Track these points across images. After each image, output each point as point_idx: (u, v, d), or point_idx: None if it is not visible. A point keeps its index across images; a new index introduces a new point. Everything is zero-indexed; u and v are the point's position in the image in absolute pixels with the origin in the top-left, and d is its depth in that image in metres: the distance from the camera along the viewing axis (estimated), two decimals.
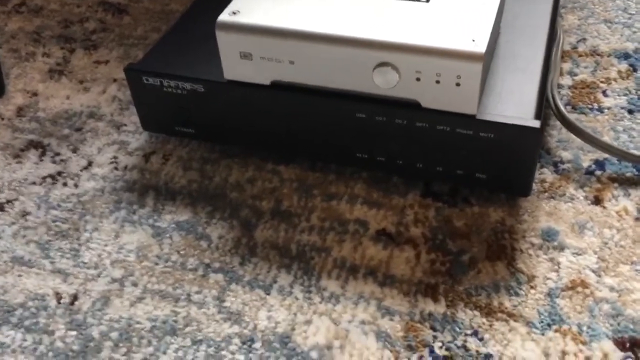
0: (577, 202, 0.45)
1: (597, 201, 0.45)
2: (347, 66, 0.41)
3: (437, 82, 0.39)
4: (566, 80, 0.55)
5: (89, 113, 0.56)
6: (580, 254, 0.41)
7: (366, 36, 0.39)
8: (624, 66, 0.56)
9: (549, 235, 0.43)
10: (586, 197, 0.45)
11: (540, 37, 0.48)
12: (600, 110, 0.52)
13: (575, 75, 0.55)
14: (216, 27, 0.42)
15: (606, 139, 0.49)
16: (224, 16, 0.42)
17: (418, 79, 0.39)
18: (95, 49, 0.64)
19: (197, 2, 0.53)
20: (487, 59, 0.40)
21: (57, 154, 0.52)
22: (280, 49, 0.41)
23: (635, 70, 0.55)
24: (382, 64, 0.40)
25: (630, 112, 0.51)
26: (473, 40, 0.38)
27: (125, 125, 0.54)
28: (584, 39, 0.59)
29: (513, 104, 0.42)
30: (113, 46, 0.64)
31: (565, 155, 0.48)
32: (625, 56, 0.57)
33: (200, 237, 0.44)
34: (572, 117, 0.51)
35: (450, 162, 0.43)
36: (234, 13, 0.42)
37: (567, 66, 0.56)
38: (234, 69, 0.44)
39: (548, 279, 0.40)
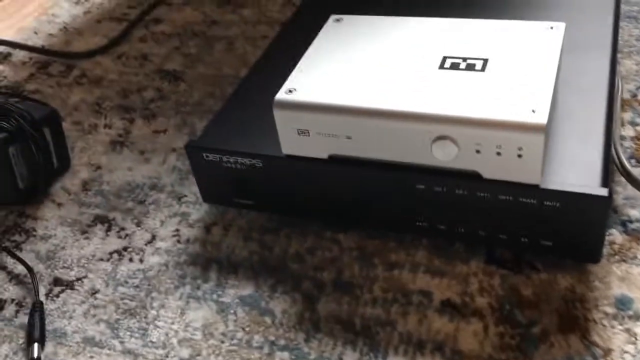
0: None
1: None
2: (405, 140, 0.41)
3: (498, 153, 0.39)
4: (628, 131, 0.53)
5: (151, 185, 0.57)
6: None
7: (423, 110, 0.39)
8: None
9: (623, 304, 0.41)
10: None
11: (599, 93, 0.47)
12: None
13: (637, 125, 0.54)
14: (273, 106, 0.43)
15: None
16: (281, 95, 0.43)
17: (478, 151, 0.39)
18: (154, 118, 0.66)
19: (252, 72, 0.55)
20: (549, 128, 0.39)
21: (122, 229, 0.53)
22: (336, 125, 0.42)
23: None
24: (441, 138, 0.39)
25: None
26: (533, 111, 0.37)
27: (186, 195, 0.55)
28: None
29: (578, 169, 0.41)
30: (171, 114, 0.66)
31: (634, 213, 0.46)
32: None
33: (264, 313, 0.45)
34: (637, 172, 0.49)
35: (514, 230, 0.42)
36: (290, 91, 0.43)
37: (627, 116, 0.55)
38: (291, 144, 0.44)
39: (625, 352, 0.39)
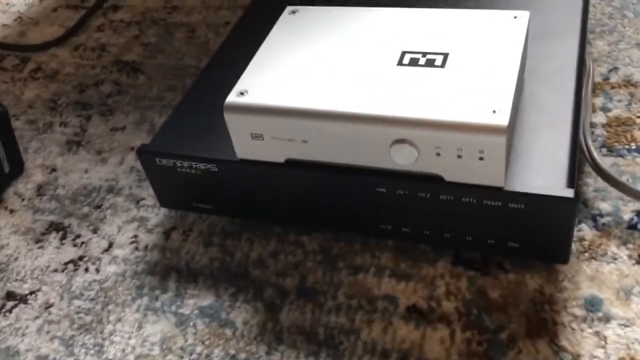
0: (620, 263, 0.42)
1: None
2: (363, 143, 0.38)
3: (459, 156, 0.37)
4: (599, 118, 0.52)
5: (108, 187, 0.55)
6: (628, 326, 0.38)
7: (380, 112, 0.37)
8: None
9: (592, 305, 0.40)
10: (630, 256, 0.42)
11: (568, 80, 0.45)
12: (639, 151, 0.48)
13: (609, 110, 0.52)
14: (224, 109, 0.41)
15: None
16: (232, 97, 0.41)
17: (438, 154, 0.37)
18: (112, 114, 0.63)
19: (207, 69, 0.52)
20: (511, 129, 0.37)
21: (78, 236, 0.51)
22: (291, 129, 0.40)
23: None
24: (399, 141, 0.37)
25: None
26: (494, 112, 0.36)
27: (144, 199, 0.53)
28: (616, 68, 0.56)
29: (543, 168, 0.39)
30: (129, 110, 0.63)
31: (604, 207, 0.45)
32: None
33: (224, 324, 0.43)
34: (608, 164, 0.48)
35: (480, 232, 0.40)
36: (242, 93, 0.41)
37: (599, 101, 0.53)
38: (246, 148, 0.42)
39: (595, 357, 0.37)
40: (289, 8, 0.48)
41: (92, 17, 0.79)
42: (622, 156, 0.48)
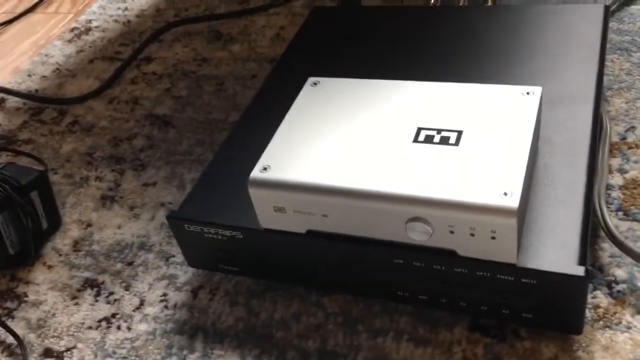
0: (634, 332, 0.42)
1: None
2: (380, 219, 0.40)
3: (472, 234, 0.38)
4: (616, 180, 0.53)
5: (140, 244, 0.58)
6: None
7: (395, 191, 0.39)
8: None
9: None
10: None
11: (581, 150, 0.46)
12: None
13: (626, 172, 0.53)
14: (248, 184, 0.43)
15: None
16: (256, 173, 0.43)
17: (452, 232, 0.39)
18: (144, 169, 0.66)
19: (231, 138, 0.54)
20: (522, 208, 0.39)
21: (111, 293, 0.54)
22: (311, 203, 0.42)
23: None
24: (414, 219, 0.39)
25: None
26: (505, 194, 0.37)
27: (174, 256, 0.56)
28: (633, 127, 0.57)
29: (555, 244, 0.40)
30: (160, 164, 0.66)
31: (620, 274, 0.46)
32: None
33: None
34: (623, 228, 0.48)
35: (494, 302, 0.42)
36: (265, 169, 0.43)
37: (616, 162, 0.54)
38: (269, 219, 0.44)
39: None
40: (311, 79, 0.50)
41: (126, 69, 0.83)
42: (638, 220, 0.49)
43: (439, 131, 0.42)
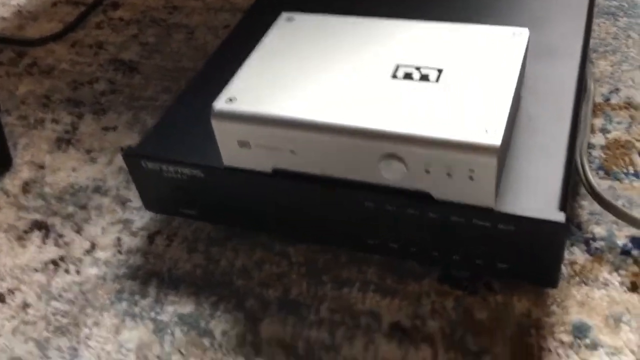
0: (611, 289, 0.41)
1: (634, 288, 0.40)
2: (351, 157, 0.38)
3: (449, 175, 0.36)
4: (598, 139, 0.51)
5: (95, 187, 0.54)
6: (615, 354, 0.37)
7: (369, 126, 0.36)
8: None
9: (580, 332, 0.39)
10: (622, 283, 0.41)
11: (566, 101, 0.44)
12: (637, 175, 0.47)
13: (609, 132, 0.51)
14: (211, 116, 0.40)
15: None
16: (220, 103, 0.40)
17: (427, 172, 0.36)
18: (104, 113, 0.62)
19: (200, 75, 0.51)
20: (504, 148, 0.36)
21: (61, 236, 0.50)
22: (278, 138, 0.39)
23: None
24: (388, 156, 0.36)
25: None
26: (486, 131, 0.35)
27: (130, 201, 0.52)
28: (618, 89, 0.55)
29: (535, 191, 0.38)
30: (122, 109, 0.62)
31: (598, 231, 0.44)
32: None
33: (203, 334, 0.42)
34: (604, 187, 0.47)
35: (468, 251, 0.39)
36: (230, 100, 0.40)
37: (599, 122, 0.52)
38: (232, 156, 0.41)
39: None
40: (285, 15, 0.47)
41: (91, 14, 0.78)
42: (619, 180, 0.47)
43: (418, 68, 0.40)
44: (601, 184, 0.47)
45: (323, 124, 0.37)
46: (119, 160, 0.56)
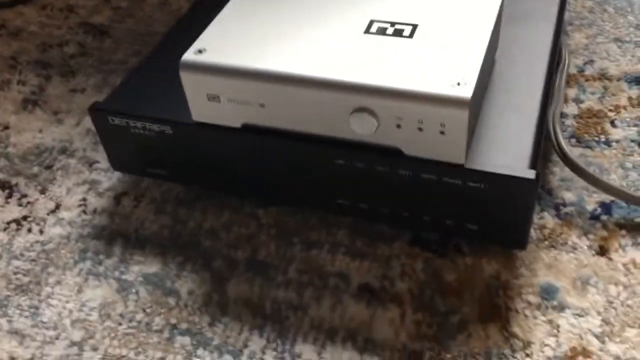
0: (580, 253, 0.41)
1: (603, 252, 0.40)
2: (322, 110, 0.37)
3: (420, 129, 0.35)
4: (571, 109, 0.51)
5: (61, 148, 0.53)
6: (582, 316, 0.37)
7: (340, 78, 0.36)
8: (634, 92, 0.51)
9: (548, 293, 0.39)
10: (590, 247, 0.41)
11: (540, 66, 0.43)
12: (608, 143, 0.47)
13: (582, 102, 0.51)
14: (180, 67, 0.39)
15: (613, 179, 0.44)
16: (189, 55, 0.39)
17: (398, 126, 0.36)
18: (73, 76, 0.61)
19: (171, 33, 0.50)
20: (475, 103, 0.36)
21: (24, 196, 0.49)
22: (248, 90, 0.38)
23: None
24: (359, 109, 0.36)
25: None
26: (458, 84, 0.34)
27: (98, 162, 0.51)
28: (592, 61, 0.55)
29: (507, 149, 0.38)
30: (91, 72, 0.61)
31: (569, 196, 0.44)
32: (637, 81, 0.52)
33: (168, 293, 0.41)
34: (576, 154, 0.47)
35: (438, 211, 0.39)
36: (200, 51, 0.39)
37: (572, 92, 0.52)
38: (201, 110, 0.40)
39: (546, 345, 0.36)
40: None
41: None
42: (590, 147, 0.47)
43: (392, 24, 0.39)
44: (573, 151, 0.47)
45: (294, 76, 0.36)
46: (87, 122, 0.55)
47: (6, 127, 0.56)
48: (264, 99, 0.38)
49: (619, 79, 0.53)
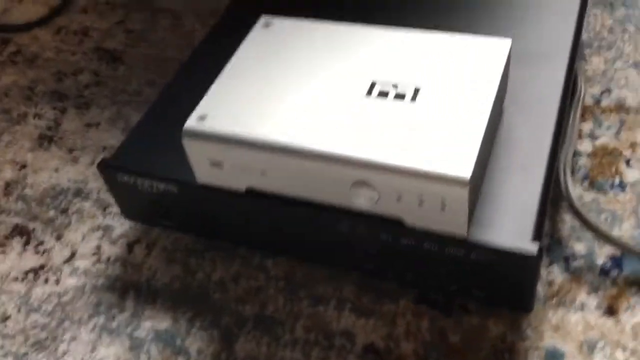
0: (588, 312, 0.40)
1: (611, 312, 0.40)
2: (322, 181, 0.37)
3: (420, 203, 0.35)
4: (585, 146, 0.49)
5: (76, 190, 0.54)
6: None
7: (341, 152, 0.35)
8: None
9: (553, 358, 0.38)
10: (599, 306, 0.40)
11: (550, 112, 0.42)
12: (622, 187, 0.46)
13: (596, 138, 0.50)
14: (182, 134, 0.39)
15: (626, 228, 0.43)
16: (191, 122, 0.39)
17: (399, 199, 0.35)
18: (88, 108, 0.61)
19: (176, 80, 0.50)
20: (477, 177, 0.35)
21: (41, 243, 0.50)
22: (249, 159, 0.38)
23: None
24: (359, 183, 0.36)
25: None
26: (458, 162, 0.34)
27: (111, 205, 0.52)
28: (609, 90, 0.53)
29: (510, 217, 0.37)
30: (106, 104, 0.61)
31: (579, 248, 0.43)
32: None
33: (178, 351, 0.42)
34: (588, 200, 0.46)
35: (443, 277, 0.39)
36: (202, 118, 0.39)
37: (587, 126, 0.51)
38: (205, 174, 0.40)
39: None
40: (263, 20, 0.45)
41: None
42: (604, 191, 0.46)
43: (395, 85, 0.38)
44: (584, 197, 0.46)
45: (293, 148, 0.36)
46: None
47: (23, 166, 0.57)
48: (265, 167, 0.38)
49: (637, 111, 0.51)
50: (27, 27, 0.73)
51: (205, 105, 0.40)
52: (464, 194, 0.33)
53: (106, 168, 0.44)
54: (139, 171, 0.43)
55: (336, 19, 0.51)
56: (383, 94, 0.38)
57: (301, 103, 0.38)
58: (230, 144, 0.38)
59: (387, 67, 0.40)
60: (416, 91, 0.38)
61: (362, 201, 0.36)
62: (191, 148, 0.39)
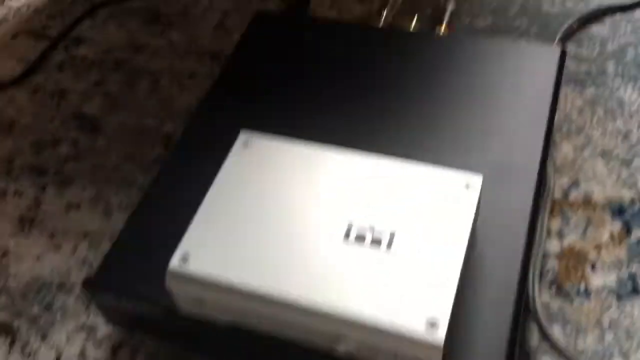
0: None
1: None
2: (302, 329, 0.38)
3: (395, 358, 0.37)
4: (554, 246, 0.51)
5: (59, 284, 0.55)
6: None
7: (318, 307, 0.37)
8: (617, 226, 0.52)
9: None
10: None
11: (519, 237, 0.44)
12: (587, 294, 0.48)
13: (564, 236, 0.52)
14: (167, 275, 0.40)
15: (589, 343, 0.46)
16: (175, 263, 0.40)
17: (376, 353, 0.37)
18: (68, 186, 0.62)
19: (154, 186, 0.50)
20: (451, 334, 0.37)
21: (27, 343, 0.51)
22: (230, 301, 0.39)
23: (629, 231, 0.52)
24: (337, 335, 0.37)
25: (618, 297, 0.48)
26: (432, 325, 0.35)
27: None
28: (577, 182, 0.55)
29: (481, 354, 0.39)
30: (85, 183, 0.62)
31: None
32: (620, 210, 0.53)
33: None
34: (553, 310, 0.48)
35: None
36: (185, 259, 0.40)
37: (556, 224, 0.53)
38: (189, 308, 0.42)
39: None
40: (242, 137, 0.46)
41: (53, 50, 0.76)
42: (570, 299, 0.48)
43: (371, 229, 0.40)
44: (551, 305, 0.48)
45: (273, 298, 0.38)
46: (83, 249, 0.57)
47: (5, 254, 0.57)
48: (245, 309, 0.39)
49: (602, 208, 0.53)
50: (2, 86, 0.72)
51: (187, 242, 0.41)
52: (437, 355, 0.35)
53: (90, 285, 0.45)
54: (123, 292, 0.44)
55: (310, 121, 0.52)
56: (360, 238, 0.39)
57: (281, 246, 0.40)
58: (212, 286, 0.39)
59: (364, 204, 0.41)
60: (392, 236, 0.39)
61: (341, 348, 0.38)
62: (175, 288, 0.40)
